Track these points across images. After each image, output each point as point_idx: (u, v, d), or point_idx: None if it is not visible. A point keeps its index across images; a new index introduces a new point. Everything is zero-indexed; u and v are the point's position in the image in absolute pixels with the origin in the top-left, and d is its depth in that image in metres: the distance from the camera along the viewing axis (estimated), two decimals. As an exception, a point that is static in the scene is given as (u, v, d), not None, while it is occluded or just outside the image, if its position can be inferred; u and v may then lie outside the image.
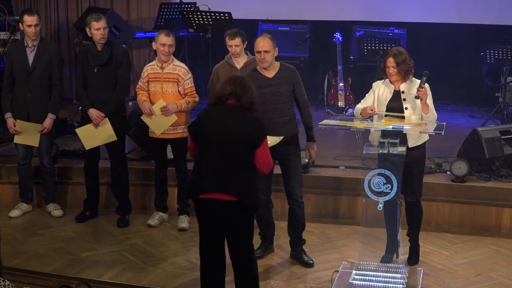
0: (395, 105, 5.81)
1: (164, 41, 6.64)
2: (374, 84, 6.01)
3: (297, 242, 6.23)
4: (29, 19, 6.98)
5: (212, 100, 5.18)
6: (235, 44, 6.62)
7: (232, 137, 4.96)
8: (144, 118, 6.78)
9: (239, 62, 6.70)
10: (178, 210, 7.03)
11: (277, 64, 6.05)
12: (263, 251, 6.30)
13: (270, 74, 6.01)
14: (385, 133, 5.61)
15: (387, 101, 5.84)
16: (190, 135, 5.19)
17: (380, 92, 5.89)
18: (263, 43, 5.91)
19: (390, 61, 5.75)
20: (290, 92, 6.03)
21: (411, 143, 5.75)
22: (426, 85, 5.77)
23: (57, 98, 7.11)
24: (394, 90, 5.85)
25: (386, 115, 5.79)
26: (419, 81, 5.77)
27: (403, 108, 5.79)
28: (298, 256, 6.20)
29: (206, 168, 4.99)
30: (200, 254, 5.15)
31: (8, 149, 7.80)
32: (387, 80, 5.89)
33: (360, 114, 5.88)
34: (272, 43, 5.94)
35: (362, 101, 6.00)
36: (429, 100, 5.79)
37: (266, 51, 5.90)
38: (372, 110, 5.79)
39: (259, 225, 6.30)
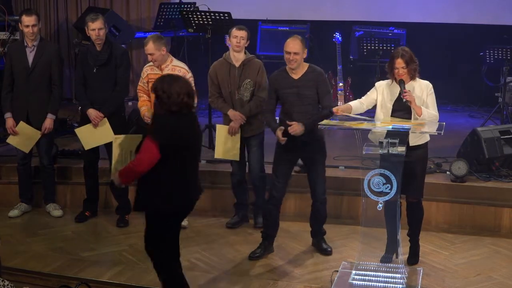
0: (401, 106, 5.79)
1: (149, 51, 6.53)
2: (377, 84, 5.97)
3: (318, 231, 6.42)
4: (27, 20, 6.97)
5: (174, 108, 4.87)
6: (241, 35, 6.64)
7: (200, 144, 5.20)
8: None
9: (238, 59, 6.69)
10: (178, 210, 7.02)
11: (305, 66, 6.12)
12: (262, 250, 6.31)
13: (296, 75, 6.09)
14: (388, 133, 5.60)
15: (393, 102, 5.83)
16: (163, 147, 4.82)
17: (385, 93, 5.87)
18: (293, 44, 5.99)
19: (400, 62, 5.73)
20: (315, 94, 6.10)
21: (412, 142, 5.74)
22: (430, 85, 5.79)
23: (57, 98, 7.10)
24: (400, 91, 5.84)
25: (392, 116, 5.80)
26: (423, 81, 5.80)
27: (409, 108, 5.76)
28: (318, 244, 6.40)
29: (191, 176, 5.08)
30: (175, 258, 5.20)
31: (8, 149, 7.79)
32: (392, 81, 5.87)
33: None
34: (302, 45, 6.01)
35: (364, 97, 5.98)
36: (432, 101, 5.79)
37: (295, 53, 5.98)
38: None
39: (264, 223, 6.36)
